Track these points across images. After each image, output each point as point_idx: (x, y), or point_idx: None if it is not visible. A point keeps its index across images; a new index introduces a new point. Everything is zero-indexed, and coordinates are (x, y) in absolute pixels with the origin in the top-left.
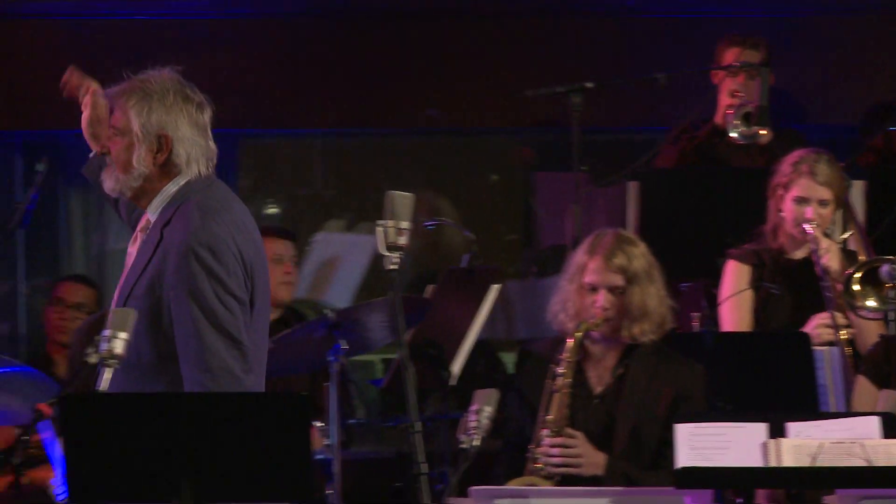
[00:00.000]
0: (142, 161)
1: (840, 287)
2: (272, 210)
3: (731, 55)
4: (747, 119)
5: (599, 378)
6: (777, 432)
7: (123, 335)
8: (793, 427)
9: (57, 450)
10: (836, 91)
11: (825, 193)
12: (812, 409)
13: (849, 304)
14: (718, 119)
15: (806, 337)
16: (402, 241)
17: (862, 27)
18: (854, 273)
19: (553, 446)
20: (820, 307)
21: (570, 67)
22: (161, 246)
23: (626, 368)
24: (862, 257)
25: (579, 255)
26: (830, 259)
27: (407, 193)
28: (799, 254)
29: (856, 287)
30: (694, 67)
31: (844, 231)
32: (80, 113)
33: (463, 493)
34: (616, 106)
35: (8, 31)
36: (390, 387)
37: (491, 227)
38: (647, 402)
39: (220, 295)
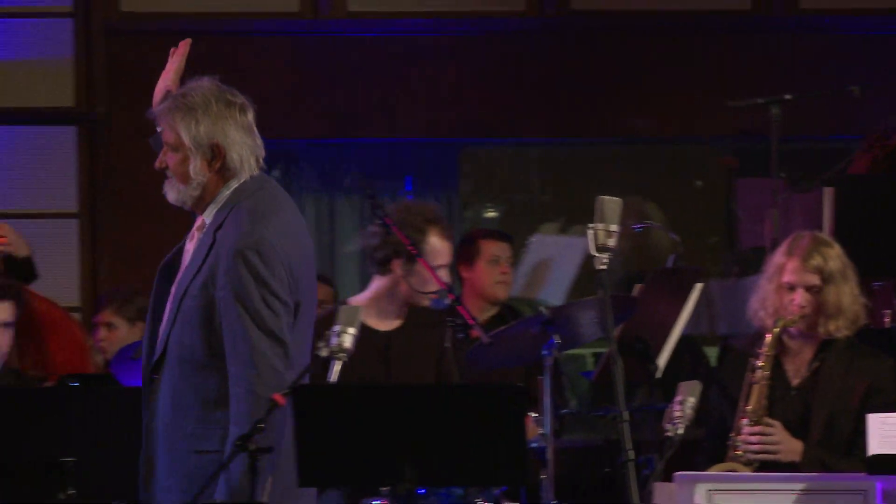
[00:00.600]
0: (198, 171)
1: None
2: (491, 214)
3: None
4: None
5: (796, 371)
6: None
7: (352, 330)
8: None
9: None
10: None
11: None
12: None
13: None
14: None
15: None
16: (612, 242)
17: None
18: None
19: (752, 434)
20: None
21: (770, 80)
22: (214, 248)
23: (822, 362)
24: None
25: (778, 256)
26: None
27: (616, 198)
28: None
29: None
30: (886, 81)
31: None
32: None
33: (668, 479)
34: (813, 116)
35: (240, 49)
36: (600, 379)
37: (695, 230)
38: (841, 393)
39: (265, 297)
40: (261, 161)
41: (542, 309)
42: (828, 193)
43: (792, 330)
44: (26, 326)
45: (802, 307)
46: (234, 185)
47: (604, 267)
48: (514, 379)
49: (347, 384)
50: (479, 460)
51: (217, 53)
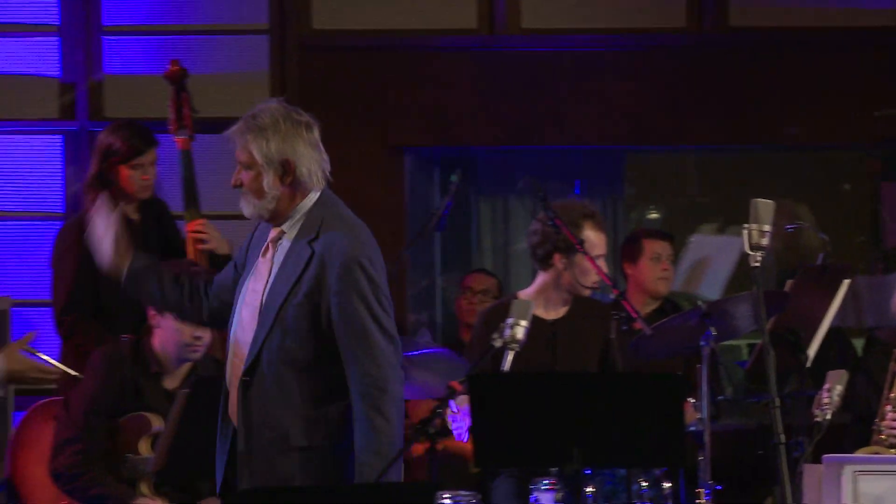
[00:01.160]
0: (272, 186)
1: None
2: (653, 215)
3: None
4: None
5: None
6: None
7: (524, 323)
8: None
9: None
10: None
11: None
12: None
13: None
14: None
15: None
16: (765, 242)
17: None
18: None
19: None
20: None
21: None
22: (315, 259)
23: None
24: None
25: None
26: None
27: (769, 201)
28: None
29: None
30: None
31: None
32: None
33: (816, 461)
34: None
35: (430, 63)
36: (754, 368)
37: (843, 231)
38: None
39: (379, 299)
40: (327, 174)
41: (701, 303)
42: None
43: None
44: None
45: None
46: (314, 197)
47: (757, 264)
48: (674, 368)
49: (520, 373)
50: (641, 443)
51: (402, 67)
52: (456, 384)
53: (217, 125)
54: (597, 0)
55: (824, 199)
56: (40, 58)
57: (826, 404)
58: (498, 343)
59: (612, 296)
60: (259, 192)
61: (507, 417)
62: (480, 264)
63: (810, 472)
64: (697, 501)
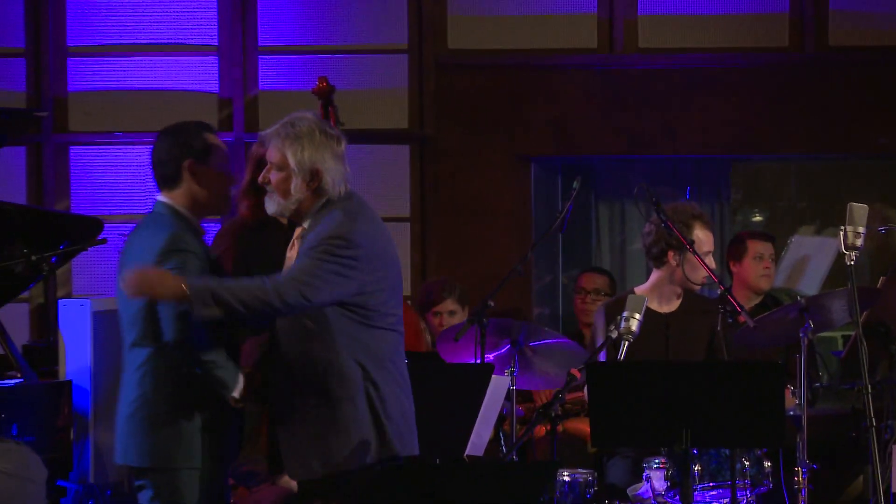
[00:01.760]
0: (298, 189)
1: None
2: (757, 218)
3: None
4: None
5: None
6: None
7: (637, 316)
8: None
9: None
10: None
11: None
12: None
13: None
14: None
15: None
16: (859, 242)
17: None
18: None
19: None
20: None
21: None
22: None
23: None
24: None
25: None
26: None
27: (863, 205)
28: None
29: None
30: None
31: None
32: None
33: None
34: None
35: (554, 79)
36: (848, 357)
37: None
38: None
39: (341, 252)
40: (347, 185)
41: (800, 298)
42: None
43: None
44: None
45: None
46: (323, 199)
47: (852, 263)
48: (775, 357)
49: (633, 361)
50: (744, 425)
51: (529, 83)
52: (576, 371)
53: (361, 136)
54: (707, 22)
55: None
56: (201, 75)
57: None
58: (614, 334)
59: (719, 291)
60: (286, 193)
61: (622, 402)
62: (599, 263)
63: None
64: (795, 479)
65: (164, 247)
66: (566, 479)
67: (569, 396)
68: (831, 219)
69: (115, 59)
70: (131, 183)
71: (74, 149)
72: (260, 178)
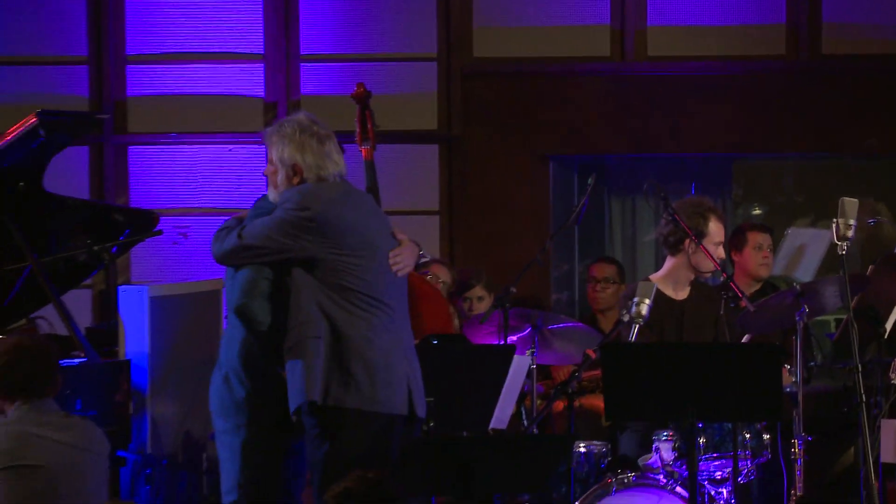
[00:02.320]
0: (282, 182)
1: None
2: (757, 212)
3: None
4: None
5: None
6: None
7: (647, 301)
8: None
9: None
10: None
11: None
12: None
13: None
14: None
15: None
16: (850, 234)
17: None
18: None
19: None
20: None
21: None
22: None
23: None
24: None
25: None
26: None
27: (854, 199)
28: None
29: None
30: None
31: None
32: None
33: (892, 417)
34: None
35: (571, 85)
36: (840, 339)
37: None
38: None
39: (294, 215)
40: (336, 175)
41: (796, 285)
42: None
43: None
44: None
45: None
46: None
47: (843, 252)
48: (773, 339)
49: (643, 343)
50: (745, 401)
51: (547, 88)
52: (591, 351)
53: (394, 137)
54: (710, 32)
55: None
56: (248, 81)
57: None
58: (626, 318)
59: (722, 279)
60: (276, 185)
61: (634, 380)
62: (611, 253)
63: (887, 426)
64: (792, 450)
65: None
66: (582, 450)
67: (585, 374)
68: (825, 212)
69: (170, 66)
70: (185, 179)
71: (133, 149)
72: (263, 171)
